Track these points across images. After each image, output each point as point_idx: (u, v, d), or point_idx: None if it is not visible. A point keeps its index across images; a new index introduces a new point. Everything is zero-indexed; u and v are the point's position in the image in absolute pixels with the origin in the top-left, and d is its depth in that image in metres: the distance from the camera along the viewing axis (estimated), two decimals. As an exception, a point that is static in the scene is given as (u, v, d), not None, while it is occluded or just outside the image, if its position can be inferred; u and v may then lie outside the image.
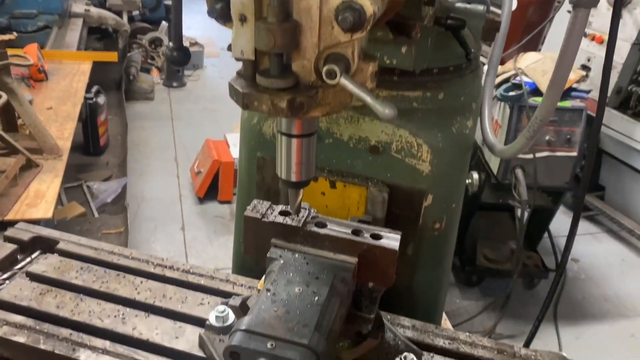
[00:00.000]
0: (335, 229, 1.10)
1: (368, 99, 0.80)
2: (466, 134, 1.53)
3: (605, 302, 3.87)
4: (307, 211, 1.13)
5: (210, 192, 4.60)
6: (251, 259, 1.76)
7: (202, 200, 4.64)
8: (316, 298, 0.97)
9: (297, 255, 1.07)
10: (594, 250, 4.38)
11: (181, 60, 1.13)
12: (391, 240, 1.08)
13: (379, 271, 1.07)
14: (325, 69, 0.81)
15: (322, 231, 1.09)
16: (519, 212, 3.29)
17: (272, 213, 1.12)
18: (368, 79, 0.87)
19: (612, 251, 4.42)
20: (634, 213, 4.38)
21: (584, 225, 4.69)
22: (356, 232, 1.09)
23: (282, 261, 1.05)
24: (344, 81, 0.81)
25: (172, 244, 4.11)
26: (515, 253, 3.49)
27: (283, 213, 1.12)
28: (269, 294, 0.97)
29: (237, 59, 0.86)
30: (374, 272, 1.08)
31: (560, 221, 4.49)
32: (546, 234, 3.94)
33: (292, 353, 0.85)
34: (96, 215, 3.74)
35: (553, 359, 1.28)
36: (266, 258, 1.08)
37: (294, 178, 1.01)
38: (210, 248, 4.12)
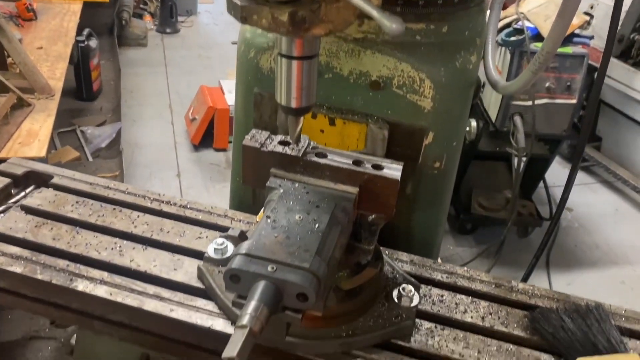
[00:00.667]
0: (336, 159, 1.08)
1: (374, 12, 0.76)
2: (470, 69, 1.49)
3: (596, 250, 3.92)
4: (306, 141, 1.10)
5: (205, 139, 4.55)
6: (248, 199, 1.77)
7: (197, 147, 4.60)
8: (317, 225, 0.95)
9: (297, 185, 1.05)
10: (588, 200, 4.40)
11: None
12: (393, 170, 1.06)
13: (379, 202, 1.06)
14: (329, -20, 0.76)
15: (323, 161, 1.07)
16: (515, 160, 3.27)
17: (271, 142, 1.09)
18: (374, -5, 0.83)
19: (606, 201, 4.44)
20: (629, 164, 4.38)
21: (579, 176, 4.68)
22: (357, 162, 1.07)
23: (281, 190, 1.03)
24: (349, -6, 0.76)
25: (167, 190, 4.09)
26: (510, 201, 3.50)
27: (282, 143, 1.09)
28: (269, 220, 0.96)
29: (236, -29, 0.81)
30: (375, 202, 1.06)
31: (556, 171, 4.50)
32: (541, 184, 3.94)
33: (293, 276, 0.84)
34: (90, 159, 3.70)
35: (551, 294, 1.29)
36: (265, 188, 1.06)
37: (294, 104, 0.98)
38: (207, 195, 4.11)
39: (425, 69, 1.43)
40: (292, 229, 0.94)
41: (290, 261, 0.86)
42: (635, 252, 3.92)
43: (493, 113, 3.37)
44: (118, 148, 3.91)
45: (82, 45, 4.22)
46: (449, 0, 1.43)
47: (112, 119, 4.34)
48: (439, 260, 1.98)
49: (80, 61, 4.26)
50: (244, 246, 0.89)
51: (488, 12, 1.69)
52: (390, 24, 0.75)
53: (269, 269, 0.85)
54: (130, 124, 4.77)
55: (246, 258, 0.87)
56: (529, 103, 3.16)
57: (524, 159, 3.24)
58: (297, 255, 0.88)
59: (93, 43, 4.39)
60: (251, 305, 0.80)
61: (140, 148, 4.53)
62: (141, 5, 6.83)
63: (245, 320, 0.78)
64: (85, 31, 4.35)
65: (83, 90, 4.49)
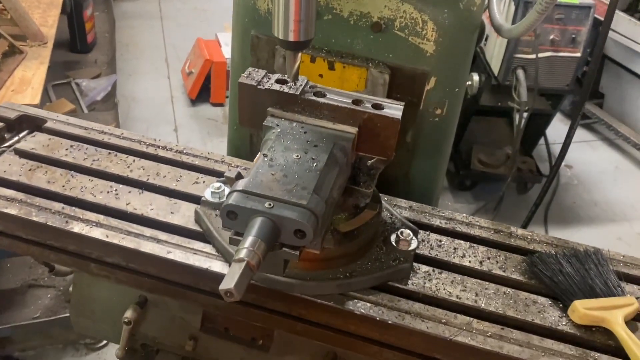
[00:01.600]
0: (335, 98, 1.05)
1: None
2: (474, 11, 1.44)
3: (595, 207, 3.93)
4: (304, 80, 1.07)
5: (202, 94, 4.48)
6: (245, 148, 1.74)
7: (194, 102, 4.54)
8: (315, 164, 0.93)
9: (294, 124, 1.02)
10: (588, 158, 4.38)
11: None
12: (394, 109, 1.03)
13: (379, 142, 1.04)
14: None
15: (321, 100, 1.04)
16: (517, 116, 3.24)
17: (268, 81, 1.06)
18: None
19: (607, 158, 4.43)
20: (632, 121, 4.34)
21: (580, 133, 4.66)
22: (357, 101, 1.04)
23: (279, 130, 1.01)
24: None
25: (165, 144, 4.06)
26: (511, 156, 3.48)
27: (280, 81, 1.06)
28: (266, 159, 0.94)
29: None
30: (375, 143, 1.04)
31: (557, 128, 4.46)
32: (542, 140, 3.91)
33: (291, 213, 0.83)
34: (86, 111, 3.65)
35: (549, 240, 1.28)
36: (262, 128, 1.04)
37: (292, 37, 0.94)
38: (204, 150, 4.08)
39: (428, 10, 1.38)
40: (290, 167, 0.92)
41: (288, 198, 0.85)
42: (634, 209, 3.93)
43: (495, 66, 3.31)
44: (113, 101, 3.85)
45: (75, -6, 4.10)
46: (455, -64, 1.37)
47: (107, 72, 4.26)
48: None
49: (73, 11, 4.15)
50: (241, 183, 0.87)
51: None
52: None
53: (267, 205, 0.83)
54: (125, 78, 4.69)
55: (243, 194, 0.85)
56: (533, 56, 3.11)
57: (526, 114, 3.20)
58: (295, 193, 0.86)
59: (86, -7, 4.27)
60: (248, 240, 0.79)
61: (137, 102, 4.47)
62: (136, -44, 6.61)
63: (242, 254, 0.77)
64: (78, -20, 4.22)
65: (77, 41, 4.39)
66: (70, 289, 1.80)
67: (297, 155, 0.95)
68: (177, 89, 4.72)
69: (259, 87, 1.04)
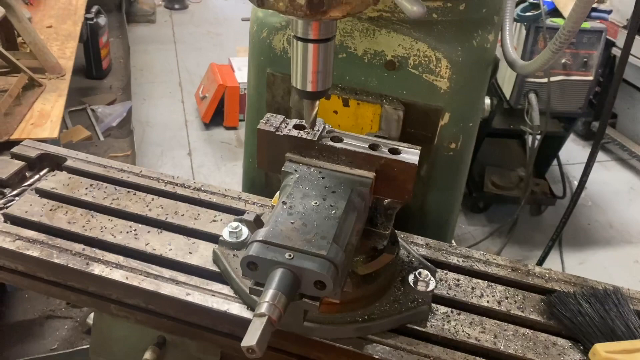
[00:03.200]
0: (352, 143, 1.06)
1: (395, -5, 0.73)
2: (487, 48, 1.45)
3: (610, 229, 3.89)
4: (322, 125, 1.09)
5: (215, 117, 4.54)
6: (261, 180, 1.76)
7: (207, 125, 4.59)
8: (333, 211, 0.94)
9: (312, 170, 1.04)
10: (602, 178, 4.35)
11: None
12: (410, 154, 1.04)
13: (396, 186, 1.05)
14: (348, -39, 0.74)
15: (339, 145, 1.05)
16: (529, 138, 3.23)
17: (286, 126, 1.08)
18: (393, -24, 0.80)
19: (621, 179, 4.39)
20: (645, 141, 4.32)
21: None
22: (373, 146, 1.05)
23: (297, 175, 1.02)
24: (369, -25, 0.74)
25: (179, 169, 4.11)
26: (524, 179, 3.46)
27: (297, 127, 1.08)
28: (285, 206, 0.95)
29: (251, -48, 0.78)
30: (392, 187, 1.05)
31: (569, 148, 4.45)
32: (555, 161, 3.90)
33: (311, 264, 0.84)
34: (102, 138, 3.70)
35: (568, 278, 1.27)
36: (281, 172, 1.05)
37: (310, 88, 0.96)
38: (218, 174, 4.12)
39: (441, 48, 1.40)
40: (309, 215, 0.93)
41: (308, 248, 0.85)
42: (649, 231, 3.89)
43: (507, 90, 3.32)
44: (129, 127, 3.90)
45: (91, 22, 4.19)
46: (467, -24, 1.39)
47: (123, 97, 4.33)
48: (453, 242, 1.98)
49: (89, 39, 4.24)
50: (261, 233, 0.88)
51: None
52: (412, 7, 0.73)
53: (287, 256, 0.84)
54: (140, 103, 4.76)
55: (263, 245, 0.86)
56: (544, 80, 3.11)
57: (538, 137, 3.20)
58: (314, 243, 0.87)
59: (102, 20, 4.36)
60: (269, 294, 0.80)
61: (151, 126, 4.53)
62: (149, -19, 6.75)
63: (263, 308, 0.78)
64: (94, 8, 4.31)
65: (93, 68, 4.48)
66: (88, 319, 1.82)
67: (316, 203, 0.96)
68: (191, 113, 4.78)
69: (277, 133, 1.06)
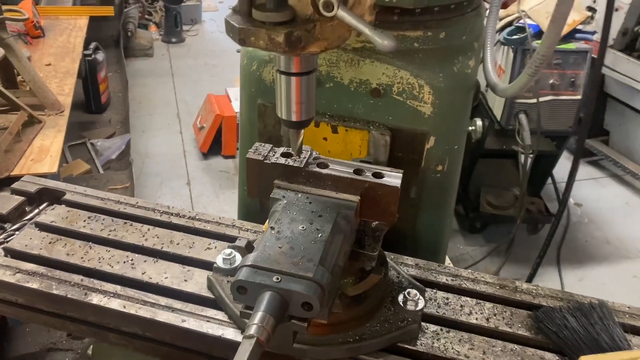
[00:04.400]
0: (337, 168, 1.11)
1: (366, 30, 0.79)
2: (468, 73, 1.51)
3: (607, 245, 3.92)
4: (308, 152, 1.13)
5: (213, 147, 4.61)
6: (256, 206, 1.80)
7: (206, 155, 4.65)
8: (320, 235, 0.98)
9: (300, 195, 1.08)
10: (597, 195, 4.39)
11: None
12: (393, 178, 1.08)
13: (381, 209, 1.09)
14: (322, 1, 0.79)
15: (324, 171, 1.10)
16: (522, 157, 3.28)
17: (274, 155, 1.13)
18: (366, 12, 0.86)
19: (616, 195, 4.43)
20: (637, 156, 4.36)
21: (588, 170, 4.70)
22: (358, 171, 1.10)
23: (285, 201, 1.06)
24: (341, 13, 0.79)
25: (178, 199, 4.16)
26: (518, 199, 3.50)
27: (285, 155, 1.12)
28: (273, 232, 0.99)
29: (233, -5, 0.84)
30: (377, 210, 1.09)
31: (564, 166, 4.48)
32: (550, 180, 3.94)
33: (298, 286, 0.87)
34: (101, 171, 3.76)
35: (554, 293, 1.30)
36: (269, 199, 1.09)
37: (294, 118, 1.01)
38: (217, 202, 4.17)
39: (424, 75, 1.45)
40: (296, 239, 0.97)
41: (295, 271, 0.89)
42: (646, 246, 3.91)
43: (498, 112, 3.38)
44: (128, 159, 3.97)
45: (89, 58, 4.30)
46: (445, 6, 1.46)
47: (121, 131, 4.41)
48: (448, 261, 2.01)
49: (88, 74, 4.33)
50: (250, 258, 0.92)
51: (486, 15, 1.71)
52: (382, 41, 0.78)
53: (274, 279, 0.88)
54: (139, 135, 4.84)
55: (252, 269, 0.90)
56: (534, 100, 3.17)
57: (531, 156, 3.25)
58: (301, 265, 0.90)
59: (100, 56, 4.46)
60: (258, 316, 0.83)
61: (150, 158, 4.59)
62: (146, 16, 6.91)
63: (252, 330, 0.81)
64: (92, 45, 4.42)
65: (92, 103, 4.57)
66: (89, 351, 1.84)
67: (303, 227, 1.00)
68: (189, 143, 4.85)
69: (265, 161, 1.10)
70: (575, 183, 4.57)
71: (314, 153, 1.15)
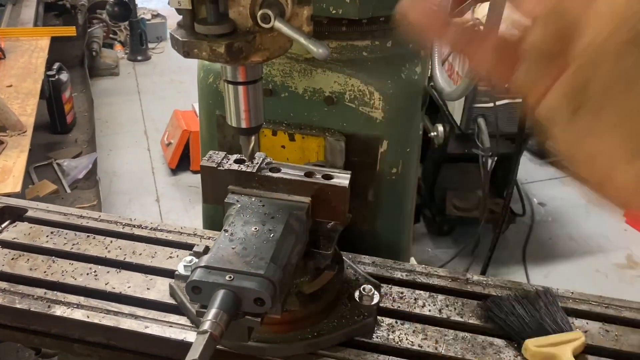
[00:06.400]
0: (289, 172, 1.16)
1: (302, 39, 0.85)
2: (415, 79, 1.59)
3: (570, 242, 4.05)
4: (261, 158, 1.18)
5: (182, 162, 4.62)
6: (220, 216, 1.83)
7: (174, 171, 4.66)
8: (272, 235, 1.03)
9: (253, 199, 1.13)
10: (560, 194, 4.53)
11: (122, 15, 1.15)
12: (341, 179, 1.14)
13: (332, 208, 1.14)
14: (259, 13, 0.85)
15: (276, 175, 1.15)
16: (483, 160, 3.39)
17: (227, 162, 1.17)
18: (304, 23, 0.92)
19: (577, 194, 4.58)
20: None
21: (549, 171, 4.85)
22: (309, 174, 1.15)
23: (239, 205, 1.11)
24: (278, 24, 0.85)
25: (148, 215, 4.15)
26: (482, 200, 3.60)
27: (238, 161, 1.17)
28: (226, 234, 1.03)
29: (177, 10, 0.89)
30: (328, 209, 1.14)
31: (526, 168, 4.64)
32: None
33: (250, 283, 0.92)
34: (68, 191, 3.74)
35: (503, 283, 1.37)
36: (224, 204, 1.14)
37: (244, 124, 1.06)
38: (187, 217, 4.17)
39: (373, 82, 1.52)
40: (249, 239, 1.01)
41: (247, 269, 0.94)
42: (608, 241, 4.05)
43: (457, 117, 3.48)
44: (95, 178, 3.95)
45: (53, 79, 4.28)
46: (391, 16, 1.53)
47: (88, 150, 4.39)
48: (414, 262, 2.07)
49: (52, 95, 4.31)
50: (204, 259, 0.97)
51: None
52: (317, 49, 0.84)
53: (227, 278, 0.92)
54: (106, 154, 4.82)
55: (205, 270, 0.94)
56: (491, 105, 3.29)
57: (491, 159, 3.35)
58: (253, 264, 0.95)
59: (64, 77, 4.45)
60: (211, 312, 0.87)
61: (118, 176, 4.58)
62: (111, 35, 6.90)
63: (206, 326, 0.85)
64: (56, 65, 4.40)
65: (57, 123, 4.54)
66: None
67: (256, 228, 1.05)
68: (157, 159, 4.85)
69: (219, 168, 1.15)
70: (538, 183, 4.74)
71: (266, 159, 1.20)
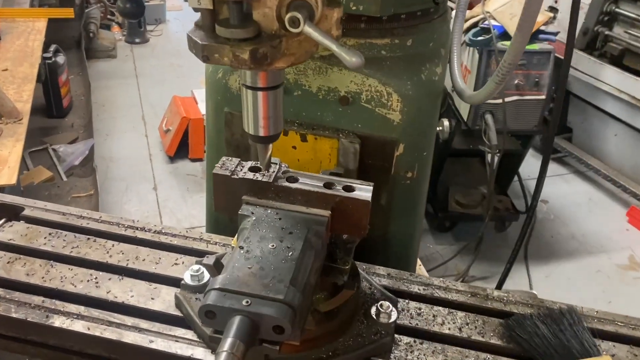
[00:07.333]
0: (307, 182, 1.09)
1: (334, 47, 0.77)
2: (435, 80, 1.51)
3: (572, 241, 4.00)
4: (277, 166, 1.11)
5: (180, 150, 4.53)
6: (225, 218, 1.76)
7: (172, 159, 4.57)
8: (290, 253, 0.96)
9: (269, 211, 1.06)
10: (562, 191, 4.49)
11: (134, 13, 1.07)
12: (363, 191, 1.07)
13: (352, 223, 1.07)
14: (287, 16, 0.77)
15: (294, 185, 1.07)
16: (489, 157, 3.32)
17: (241, 170, 1.10)
18: (333, 26, 0.84)
19: (580, 191, 4.53)
20: (600, 153, 4.48)
21: (552, 167, 4.79)
22: (328, 185, 1.08)
23: (254, 218, 1.04)
24: (308, 29, 0.77)
25: (145, 204, 4.07)
26: (486, 197, 3.55)
27: (253, 169, 1.10)
28: (242, 251, 0.96)
29: (195, 9, 0.81)
30: (348, 224, 1.08)
31: (530, 164, 4.57)
32: (516, 178, 4.01)
33: (268, 309, 0.85)
34: (64, 178, 3.65)
35: (524, 298, 1.31)
36: (238, 215, 1.07)
37: (262, 133, 0.99)
38: (185, 206, 4.10)
39: (391, 83, 1.44)
40: (266, 258, 0.94)
41: (265, 293, 0.87)
42: (610, 241, 4.01)
43: (464, 112, 3.41)
44: (92, 165, 3.86)
45: (49, 62, 4.16)
46: (412, 13, 1.45)
47: (85, 135, 4.29)
48: (419, 262, 2.01)
49: (48, 78, 4.20)
50: (218, 280, 0.90)
51: (452, 21, 1.71)
52: (350, 58, 0.76)
53: (244, 303, 0.86)
54: (103, 139, 4.72)
55: (220, 293, 0.87)
56: (499, 101, 3.22)
57: (497, 155, 3.29)
58: (272, 287, 0.88)
59: (60, 59, 4.33)
60: (227, 342, 0.81)
61: (115, 162, 4.48)
62: (108, 17, 6.75)
63: (222, 357, 0.78)
64: (52, 47, 4.28)
65: (53, 107, 4.43)
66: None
67: (273, 245, 0.98)
68: (155, 146, 4.75)
69: (233, 176, 1.07)
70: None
71: (283, 166, 1.13)
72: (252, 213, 1.05)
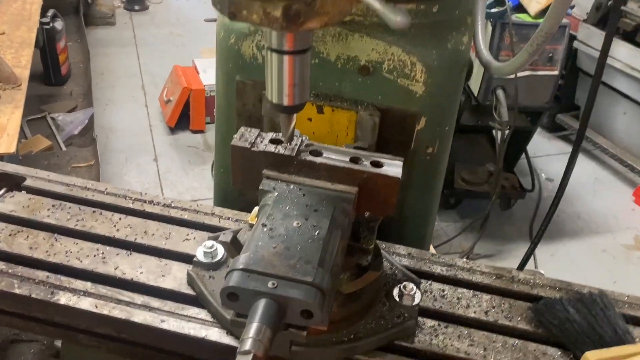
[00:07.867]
0: (333, 157, 1.01)
1: (377, 5, 0.69)
2: (462, 50, 1.43)
3: (578, 220, 3.96)
4: (299, 139, 1.03)
5: (181, 121, 4.43)
6: (233, 191, 1.69)
7: (173, 130, 4.48)
8: (317, 232, 0.89)
9: (292, 187, 0.98)
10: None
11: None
12: (393, 166, 1.00)
13: (379, 201, 1.00)
14: (326, -30, 0.69)
15: (318, 160, 1.00)
16: (498, 133, 3.25)
17: (261, 141, 1.02)
18: (373, -17, 0.75)
19: (586, 170, 4.47)
20: (608, 132, 4.40)
21: (559, 145, 4.73)
22: (355, 159, 1.01)
23: (276, 193, 0.97)
24: (349, -15, 0.69)
25: (145, 175, 3.99)
26: (494, 174, 3.48)
27: (274, 141, 1.02)
28: (265, 229, 0.89)
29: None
30: (375, 201, 1.01)
31: (536, 142, 4.50)
32: (523, 155, 3.94)
33: (296, 292, 0.79)
34: (63, 148, 3.56)
35: (552, 284, 1.26)
36: (258, 190, 1.00)
37: (286, 102, 0.91)
38: (186, 179, 4.02)
39: (416, 52, 1.36)
40: (291, 237, 0.88)
41: (292, 275, 0.80)
42: (615, 220, 3.97)
43: (475, 87, 3.32)
44: (92, 135, 3.77)
45: (47, 27, 4.03)
46: (439, -23, 1.36)
47: (84, 104, 4.18)
48: (432, 248, 1.95)
49: (46, 44, 4.07)
50: (241, 260, 0.83)
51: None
52: (395, 17, 0.68)
53: (270, 285, 0.79)
54: (102, 108, 4.61)
55: (244, 274, 0.81)
56: (512, 76, 3.12)
57: (507, 132, 3.22)
58: (299, 268, 0.82)
59: (59, 25, 4.19)
60: (253, 328, 0.74)
61: (115, 132, 4.39)
62: (107, -18, 6.55)
63: (248, 345, 0.72)
64: (50, 12, 4.14)
65: (51, 74, 4.31)
66: (56, 342, 1.73)
67: (298, 223, 0.91)
68: (156, 117, 4.65)
69: (252, 149, 1.00)
70: (546, 157, 4.62)
71: (305, 139, 1.05)
72: (274, 188, 0.98)
